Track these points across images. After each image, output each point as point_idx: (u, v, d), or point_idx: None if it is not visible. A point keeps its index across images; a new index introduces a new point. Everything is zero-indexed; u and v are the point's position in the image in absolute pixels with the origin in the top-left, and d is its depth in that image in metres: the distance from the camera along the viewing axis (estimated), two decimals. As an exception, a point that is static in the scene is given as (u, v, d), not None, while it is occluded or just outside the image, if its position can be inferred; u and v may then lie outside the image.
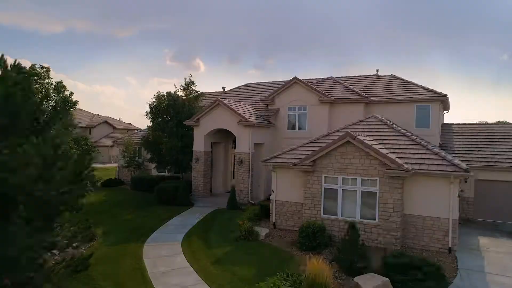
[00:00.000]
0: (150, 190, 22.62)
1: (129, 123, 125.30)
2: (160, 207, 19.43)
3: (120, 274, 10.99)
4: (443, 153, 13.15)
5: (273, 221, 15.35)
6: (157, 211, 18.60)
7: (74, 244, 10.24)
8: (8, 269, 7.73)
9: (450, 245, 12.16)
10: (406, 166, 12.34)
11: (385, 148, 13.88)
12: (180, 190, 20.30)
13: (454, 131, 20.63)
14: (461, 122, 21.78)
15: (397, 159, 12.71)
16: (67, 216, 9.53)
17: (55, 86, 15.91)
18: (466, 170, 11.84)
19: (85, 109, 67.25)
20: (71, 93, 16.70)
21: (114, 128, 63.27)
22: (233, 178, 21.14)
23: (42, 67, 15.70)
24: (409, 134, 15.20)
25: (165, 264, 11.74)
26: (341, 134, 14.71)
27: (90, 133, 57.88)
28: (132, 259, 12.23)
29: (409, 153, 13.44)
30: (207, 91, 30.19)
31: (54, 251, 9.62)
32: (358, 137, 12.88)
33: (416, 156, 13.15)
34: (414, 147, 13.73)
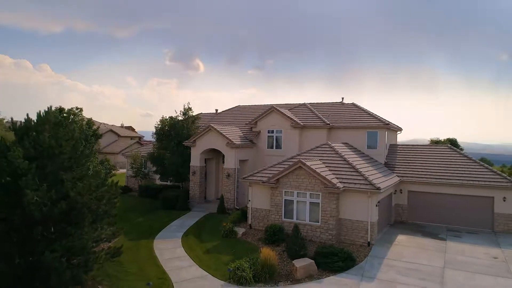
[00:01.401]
0: (155, 197, 27.74)
1: (130, 127, 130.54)
2: (164, 212, 24.59)
3: (139, 260, 16.17)
4: (367, 175, 18.38)
5: (249, 223, 20.57)
6: (162, 215, 23.76)
7: (110, 240, 15.41)
8: (78, 253, 12.92)
9: (369, 240, 17.38)
10: (338, 184, 17.58)
11: (329, 170, 19.12)
12: (180, 198, 25.52)
13: (398, 151, 25.86)
14: (405, 144, 26.99)
15: (334, 179, 17.94)
16: (106, 220, 14.76)
17: (86, 122, 21.06)
18: (378, 188, 17.07)
19: (91, 118, 72.04)
20: (98, 127, 21.88)
21: (118, 136, 68.10)
22: (223, 188, 26.33)
23: (77, 108, 20.86)
24: (349, 158, 20.40)
25: (170, 254, 16.94)
26: (301, 157, 19.99)
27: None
28: (146, 251, 17.41)
29: (345, 174, 18.67)
30: (202, 112, 35.40)
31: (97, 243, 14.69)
32: (307, 163, 18.09)
33: (349, 176, 18.38)
34: (349, 169, 18.96)
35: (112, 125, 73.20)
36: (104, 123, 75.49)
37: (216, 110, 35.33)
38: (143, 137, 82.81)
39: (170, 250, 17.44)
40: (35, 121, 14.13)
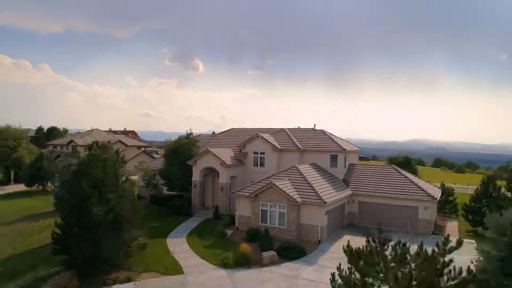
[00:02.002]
0: (164, 205, 34.72)
1: (133, 131, 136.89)
2: (172, 217, 31.60)
3: (157, 253, 23.22)
4: (320, 192, 25.48)
5: (236, 226, 27.67)
6: (171, 220, 30.79)
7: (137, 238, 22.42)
8: (122, 246, 19.95)
9: (319, 239, 24.48)
10: (298, 199, 24.68)
11: (294, 188, 26.20)
12: (185, 206, 32.60)
13: (355, 169, 32.93)
14: (362, 164, 34.03)
15: (295, 195, 25.03)
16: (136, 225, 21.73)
17: (115, 151, 28.07)
18: (325, 202, 24.14)
19: (118, 148, 78.99)
20: (118, 148, 28.94)
21: (126, 145, 75.10)
22: (217, 198, 33.40)
23: (108, 142, 27.79)
24: (310, 178, 27.45)
25: (178, 248, 24.01)
26: (274, 178, 27.06)
27: (107, 151, 69.21)
28: (162, 246, 24.46)
29: (304, 191, 25.78)
30: (202, 133, 42.51)
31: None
32: (276, 183, 25.19)
33: (307, 193, 25.49)
34: (308, 187, 26.07)
35: (120, 135, 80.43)
36: (112, 133, 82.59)
37: (213, 132, 42.46)
38: (149, 146, 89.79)
39: (178, 245, 24.54)
40: (89, 159, 21.20)
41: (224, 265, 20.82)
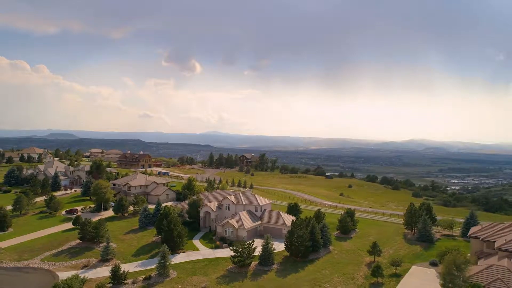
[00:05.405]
0: (188, 225, 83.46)
1: (148, 155, 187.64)
2: (193, 232, 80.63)
3: (190, 244, 72.49)
4: (245, 222, 74.69)
5: (216, 235, 76.89)
6: (192, 232, 79.85)
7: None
8: (180, 238, 69.64)
9: (244, 239, 73.59)
10: (236, 226, 73.92)
11: (236, 221, 75.37)
12: (197, 226, 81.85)
13: (265, 212, 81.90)
14: (271, 210, 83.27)
15: (235, 224, 74.21)
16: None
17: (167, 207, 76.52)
18: (244, 227, 73.19)
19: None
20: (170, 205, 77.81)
21: (157, 184, 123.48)
22: (211, 223, 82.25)
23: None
24: (243, 218, 76.53)
25: (197, 244, 73.46)
26: (229, 218, 76.29)
27: (147, 188, 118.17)
28: (190, 242, 73.75)
29: (240, 222, 74.89)
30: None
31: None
32: (229, 221, 74.26)
33: (240, 223, 74.65)
34: (240, 221, 75.06)
35: (154, 176, 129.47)
36: (146, 174, 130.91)
37: (209, 192, 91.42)
38: (168, 182, 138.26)
39: (196, 241, 73.70)
40: (161, 214, 70.57)
41: (211, 247, 70.03)
